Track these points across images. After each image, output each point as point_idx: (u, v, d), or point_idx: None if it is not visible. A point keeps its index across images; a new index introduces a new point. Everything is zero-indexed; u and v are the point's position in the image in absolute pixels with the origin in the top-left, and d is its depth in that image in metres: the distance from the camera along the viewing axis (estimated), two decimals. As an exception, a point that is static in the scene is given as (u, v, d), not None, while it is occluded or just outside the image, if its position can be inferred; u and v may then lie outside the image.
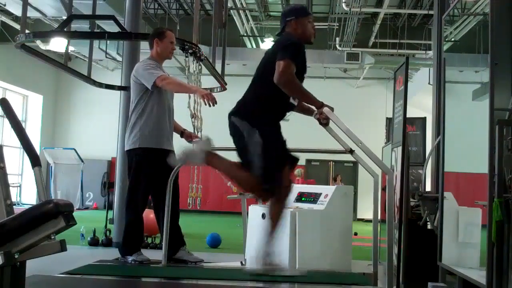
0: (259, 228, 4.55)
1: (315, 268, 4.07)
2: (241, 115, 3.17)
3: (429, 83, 10.94)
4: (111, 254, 4.78)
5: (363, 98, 16.05)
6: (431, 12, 11.33)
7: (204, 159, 3.21)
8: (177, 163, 3.58)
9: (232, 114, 3.22)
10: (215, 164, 3.31)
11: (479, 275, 3.07)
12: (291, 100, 3.23)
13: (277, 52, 3.12)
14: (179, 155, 3.36)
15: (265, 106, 3.17)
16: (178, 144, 4.51)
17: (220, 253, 5.94)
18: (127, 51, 6.21)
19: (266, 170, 3.06)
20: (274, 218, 3.23)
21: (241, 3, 12.06)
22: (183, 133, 4.50)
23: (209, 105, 3.95)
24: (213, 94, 3.86)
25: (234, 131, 3.20)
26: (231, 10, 11.79)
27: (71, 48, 11.57)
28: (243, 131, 3.12)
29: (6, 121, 2.61)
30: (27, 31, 5.11)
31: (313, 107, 3.30)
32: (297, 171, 12.40)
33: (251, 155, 3.08)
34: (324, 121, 3.29)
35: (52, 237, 1.94)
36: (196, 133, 4.56)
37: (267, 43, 14.42)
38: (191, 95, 4.42)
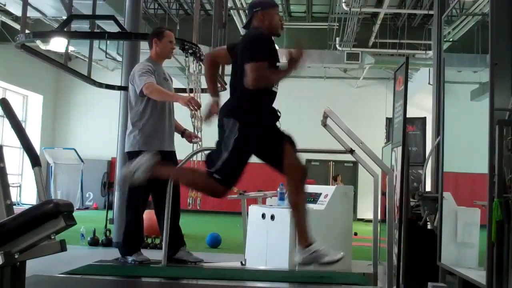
0: (259, 228, 4.56)
1: (315, 268, 4.07)
2: (228, 113, 3.12)
3: (429, 83, 10.94)
4: (111, 254, 4.78)
5: (363, 98, 16.05)
6: (431, 12, 11.33)
7: (150, 170, 3.14)
8: (124, 182, 3.48)
9: (221, 116, 3.17)
10: (164, 173, 3.29)
11: (478, 275, 3.08)
12: (274, 89, 3.17)
13: (243, 53, 3.06)
14: (123, 173, 3.30)
15: (252, 100, 3.10)
16: (180, 143, 4.53)
17: (220, 253, 5.94)
18: (127, 51, 6.21)
19: (227, 164, 2.99)
20: (296, 206, 3.08)
21: (241, 3, 12.06)
22: (183, 133, 4.50)
23: (195, 110, 3.97)
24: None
25: (220, 130, 3.15)
26: (231, 10, 11.78)
27: (71, 48, 11.57)
28: (226, 127, 3.07)
29: (6, 121, 2.61)
30: (27, 31, 5.12)
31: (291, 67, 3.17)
32: None
33: (224, 146, 3.02)
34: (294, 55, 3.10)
35: (52, 237, 1.93)
36: (196, 133, 4.56)
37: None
38: (191, 95, 4.43)
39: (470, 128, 4.63)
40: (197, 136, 4.51)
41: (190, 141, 4.52)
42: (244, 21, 13.85)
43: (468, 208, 4.03)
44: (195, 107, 3.91)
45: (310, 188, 4.91)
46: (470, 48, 12.23)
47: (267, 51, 3.09)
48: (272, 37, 3.23)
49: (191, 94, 4.52)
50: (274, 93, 3.18)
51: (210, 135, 4.33)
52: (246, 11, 3.36)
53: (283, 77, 3.10)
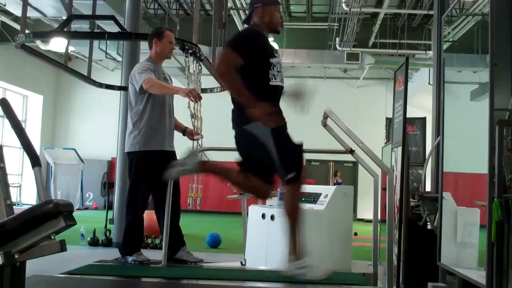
0: (259, 228, 4.56)
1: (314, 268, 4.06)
2: (237, 123, 3.10)
3: (429, 83, 10.94)
4: (111, 254, 4.78)
5: (363, 98, 16.05)
6: (431, 12, 11.33)
7: (197, 167, 3.15)
8: (172, 176, 3.44)
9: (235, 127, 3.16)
10: (211, 170, 3.26)
11: (478, 275, 3.08)
12: (276, 83, 3.13)
13: None
14: (172, 167, 3.29)
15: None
16: (180, 143, 4.52)
17: (220, 253, 5.95)
18: (127, 51, 6.21)
19: (284, 158, 2.95)
20: (292, 214, 3.04)
21: (241, 3, 12.06)
22: (185, 131, 4.50)
23: (195, 101, 4.00)
24: (215, 93, 3.87)
25: (238, 141, 3.13)
26: (231, 10, 11.78)
27: (71, 48, 11.57)
28: (244, 136, 3.05)
29: (6, 121, 2.61)
30: (27, 31, 5.11)
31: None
32: None
33: (263, 152, 2.98)
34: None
35: (52, 237, 1.93)
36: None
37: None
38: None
39: (470, 128, 4.63)
40: (198, 133, 4.51)
41: (192, 139, 4.52)
42: (244, 21, 13.70)
43: (468, 208, 4.03)
44: (196, 99, 3.94)
45: (310, 188, 4.92)
46: (470, 48, 12.24)
47: (244, 45, 3.06)
48: (271, 34, 3.24)
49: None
50: (278, 88, 3.15)
51: (210, 134, 4.34)
52: (247, 8, 3.38)
53: (238, 93, 2.99)
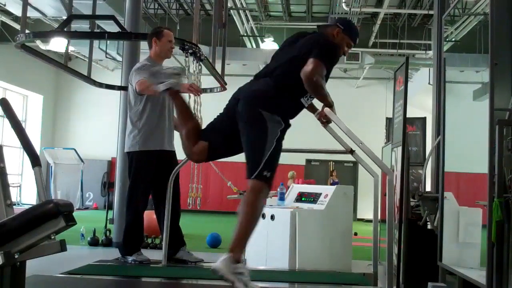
0: (259, 228, 4.55)
1: (315, 268, 4.07)
2: (259, 103, 3.06)
3: (429, 83, 10.94)
4: (111, 254, 4.78)
5: (363, 98, 16.05)
6: (431, 12, 11.33)
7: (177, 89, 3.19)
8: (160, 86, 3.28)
9: (239, 98, 3.07)
10: (179, 101, 3.27)
11: (479, 275, 3.08)
12: (302, 100, 3.16)
13: (312, 48, 3.06)
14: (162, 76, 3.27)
15: (281, 94, 3.05)
16: (180, 142, 4.52)
17: (220, 253, 5.93)
18: (127, 51, 6.21)
19: (270, 159, 2.95)
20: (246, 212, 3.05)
21: (241, 3, 12.06)
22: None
23: (197, 95, 4.01)
24: (215, 92, 3.87)
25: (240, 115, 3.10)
26: (231, 10, 11.78)
27: (71, 48, 11.57)
28: (256, 117, 3.01)
29: (6, 121, 2.61)
30: (27, 31, 5.10)
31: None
32: (290, 173, 12.40)
33: (256, 142, 2.97)
34: (324, 119, 3.27)
35: (52, 237, 1.93)
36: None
37: (267, 43, 14.41)
38: (191, 94, 4.42)
39: (472, 128, 4.63)
40: None
41: None
42: (244, 20, 13.74)
43: (470, 208, 4.03)
44: (197, 93, 3.94)
45: (310, 188, 4.92)
46: (472, 48, 12.24)
47: (333, 61, 3.13)
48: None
49: (190, 95, 4.52)
50: (302, 105, 3.18)
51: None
52: (332, 18, 3.37)
53: (322, 97, 3.14)
